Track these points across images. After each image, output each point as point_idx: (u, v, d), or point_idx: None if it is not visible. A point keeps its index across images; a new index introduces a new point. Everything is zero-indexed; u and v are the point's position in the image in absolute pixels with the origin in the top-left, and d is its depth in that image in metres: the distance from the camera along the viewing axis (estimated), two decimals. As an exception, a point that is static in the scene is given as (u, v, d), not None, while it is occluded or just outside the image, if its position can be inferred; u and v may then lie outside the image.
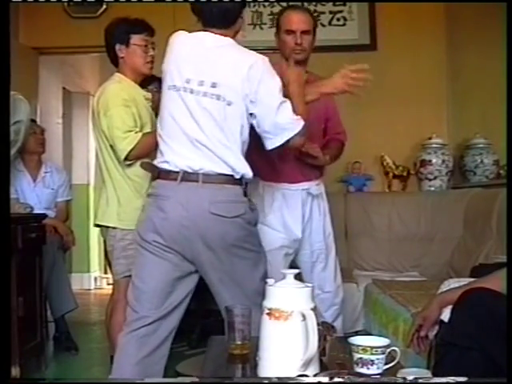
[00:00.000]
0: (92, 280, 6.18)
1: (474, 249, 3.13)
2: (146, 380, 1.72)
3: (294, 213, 2.52)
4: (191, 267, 1.94)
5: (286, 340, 1.38)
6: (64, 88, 5.52)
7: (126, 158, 2.30)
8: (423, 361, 1.85)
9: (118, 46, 2.44)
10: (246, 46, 1.98)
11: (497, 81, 2.72)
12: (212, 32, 1.94)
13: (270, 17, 4.25)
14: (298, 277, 2.62)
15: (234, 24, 1.96)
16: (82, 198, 5.83)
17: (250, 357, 1.53)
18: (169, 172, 1.90)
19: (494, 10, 3.10)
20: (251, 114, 1.91)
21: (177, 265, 1.92)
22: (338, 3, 4.20)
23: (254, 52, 1.94)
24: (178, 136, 1.90)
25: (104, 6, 4.19)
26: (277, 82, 1.91)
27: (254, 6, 4.23)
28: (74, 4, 4.22)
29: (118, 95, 2.36)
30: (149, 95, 2.51)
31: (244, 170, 1.92)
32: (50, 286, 3.47)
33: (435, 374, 1.43)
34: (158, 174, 1.95)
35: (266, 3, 4.22)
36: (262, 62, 1.90)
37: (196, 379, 1.33)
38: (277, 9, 4.23)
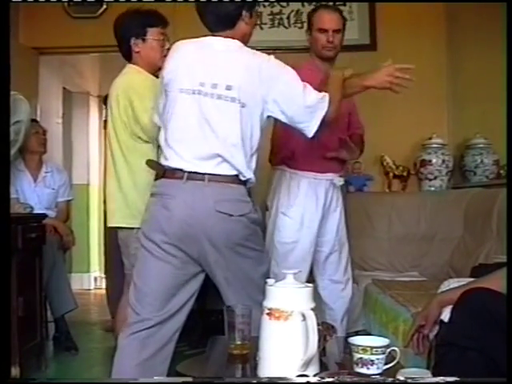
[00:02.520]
0: (92, 280, 6.19)
1: (474, 249, 3.13)
2: (141, 380, 1.71)
3: (317, 203, 2.59)
4: (196, 268, 1.93)
5: (286, 340, 1.38)
6: (64, 88, 5.52)
7: None
8: (423, 361, 1.85)
9: (133, 40, 2.34)
10: (246, 46, 1.98)
11: (497, 81, 2.71)
12: (219, 36, 1.95)
13: (270, 17, 4.25)
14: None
15: (232, 27, 1.95)
16: (81, 198, 5.83)
17: (249, 357, 1.53)
18: (174, 170, 1.89)
19: (494, 10, 3.10)
20: (268, 116, 1.93)
21: (181, 268, 1.90)
22: (338, 3, 4.19)
23: (259, 52, 1.95)
24: (188, 140, 1.88)
25: (104, 6, 4.19)
26: (291, 72, 1.93)
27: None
28: (74, 4, 4.22)
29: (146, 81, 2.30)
30: None
31: (249, 175, 1.92)
32: (49, 286, 3.47)
33: (435, 374, 1.43)
34: (164, 172, 1.94)
35: (266, 3, 4.21)
36: (268, 60, 1.92)
37: (190, 379, 1.33)
38: (277, 9, 4.25)
